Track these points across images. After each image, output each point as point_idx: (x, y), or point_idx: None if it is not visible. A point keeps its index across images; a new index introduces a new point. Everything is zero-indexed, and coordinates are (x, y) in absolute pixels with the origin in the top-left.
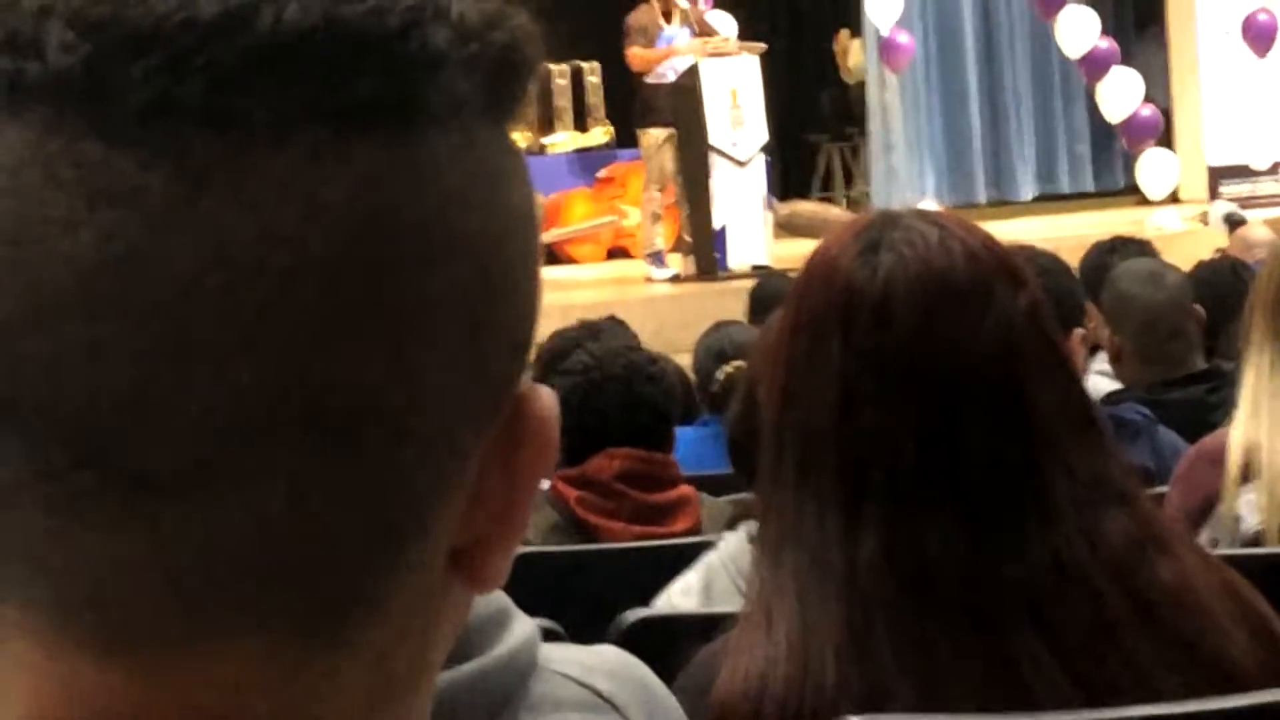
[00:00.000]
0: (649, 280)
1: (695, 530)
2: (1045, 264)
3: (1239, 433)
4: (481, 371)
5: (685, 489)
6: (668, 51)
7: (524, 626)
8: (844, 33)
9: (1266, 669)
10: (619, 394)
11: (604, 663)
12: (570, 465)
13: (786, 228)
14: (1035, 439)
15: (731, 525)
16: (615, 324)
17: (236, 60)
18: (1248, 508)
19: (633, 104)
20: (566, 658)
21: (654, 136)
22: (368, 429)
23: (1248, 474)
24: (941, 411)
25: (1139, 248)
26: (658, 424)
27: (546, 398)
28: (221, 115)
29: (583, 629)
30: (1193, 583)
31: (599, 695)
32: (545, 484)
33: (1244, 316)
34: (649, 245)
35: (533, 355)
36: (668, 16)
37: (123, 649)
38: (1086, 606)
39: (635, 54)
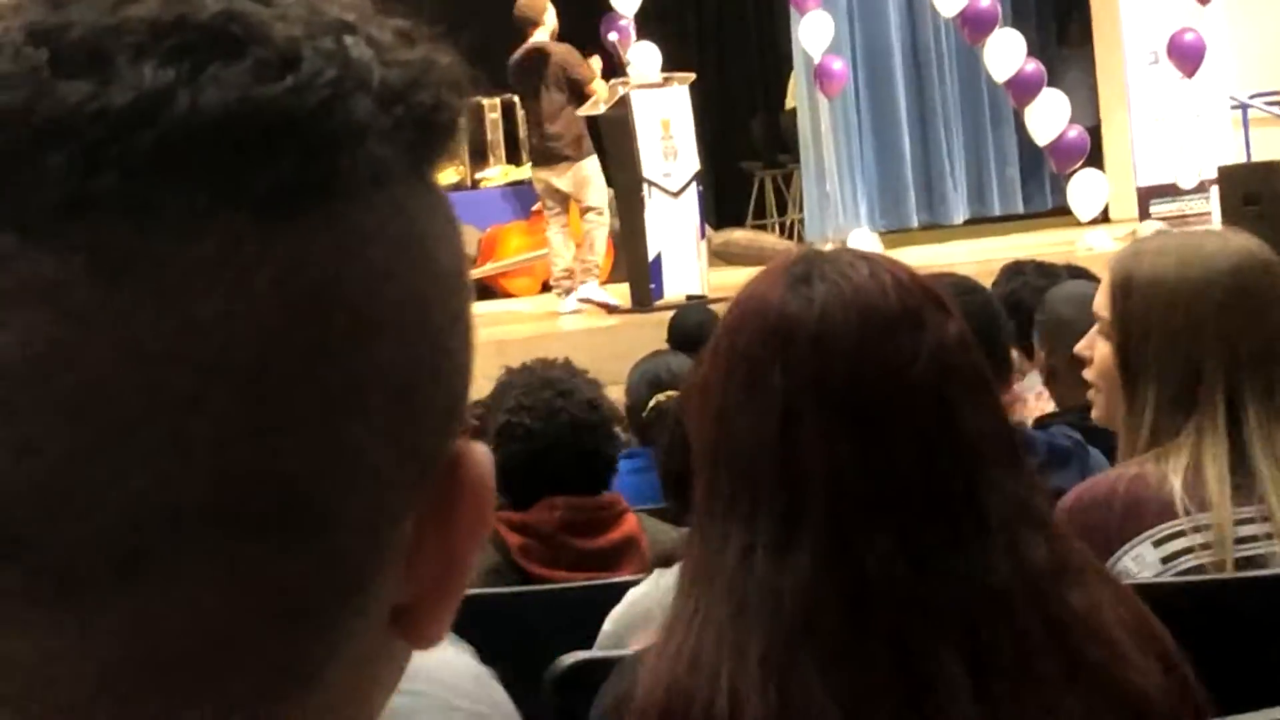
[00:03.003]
0: (589, 306)
1: (642, 571)
2: (970, 299)
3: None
4: (413, 440)
5: (629, 527)
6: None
7: None
8: None
9: (1173, 700)
10: (564, 459)
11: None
12: (515, 508)
13: (722, 256)
14: (970, 461)
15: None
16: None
17: (151, 149)
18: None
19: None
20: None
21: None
22: (300, 512)
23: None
24: (880, 434)
25: (1036, 267)
26: (601, 469)
27: (481, 456)
28: (138, 206)
29: (522, 672)
30: (1101, 612)
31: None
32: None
33: (1132, 341)
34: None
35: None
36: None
37: None
38: (1007, 631)
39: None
